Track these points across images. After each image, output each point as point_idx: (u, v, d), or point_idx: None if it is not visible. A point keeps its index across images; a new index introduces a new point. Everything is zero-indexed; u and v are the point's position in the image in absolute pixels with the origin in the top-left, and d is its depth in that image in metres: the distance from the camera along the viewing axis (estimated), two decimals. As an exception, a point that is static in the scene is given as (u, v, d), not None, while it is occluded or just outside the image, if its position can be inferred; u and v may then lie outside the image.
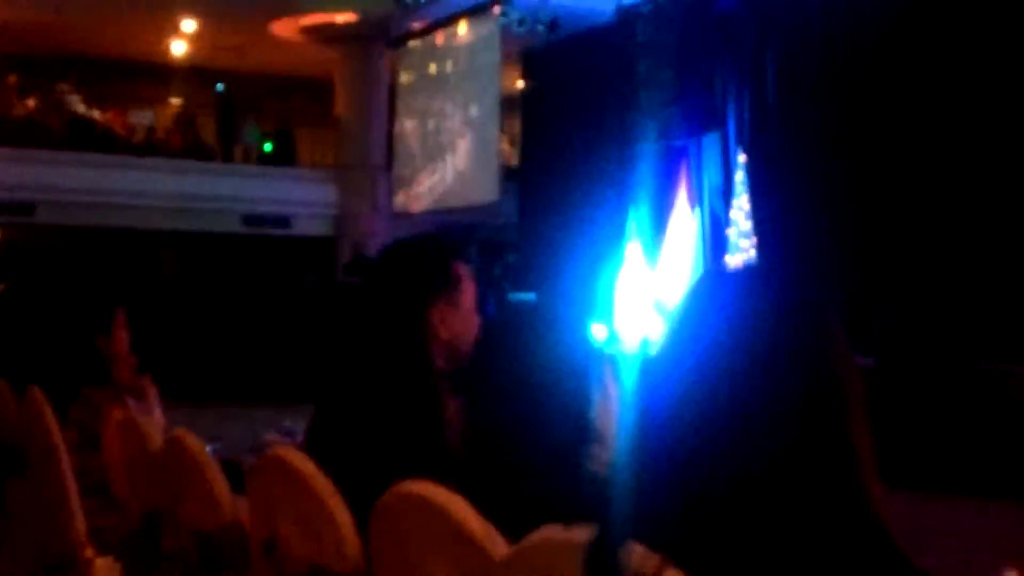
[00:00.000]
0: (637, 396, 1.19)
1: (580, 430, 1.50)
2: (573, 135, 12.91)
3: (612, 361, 1.63)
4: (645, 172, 11.73)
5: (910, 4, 9.05)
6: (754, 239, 10.38)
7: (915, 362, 7.85)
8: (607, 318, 10.93)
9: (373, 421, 2.04)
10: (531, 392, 1.55)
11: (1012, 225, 8.19)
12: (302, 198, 16.11)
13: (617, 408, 1.61)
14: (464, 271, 2.23)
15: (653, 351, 1.20)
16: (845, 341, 1.17)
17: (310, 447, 2.13)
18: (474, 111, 14.16)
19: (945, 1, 8.80)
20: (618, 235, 11.60)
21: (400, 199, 15.71)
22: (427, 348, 2.12)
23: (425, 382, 2.06)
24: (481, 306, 2.20)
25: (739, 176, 10.53)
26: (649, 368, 1.17)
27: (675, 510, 1.09)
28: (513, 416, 1.55)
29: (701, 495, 1.09)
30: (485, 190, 13.80)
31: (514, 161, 15.05)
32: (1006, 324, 8.06)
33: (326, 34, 15.77)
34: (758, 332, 1.12)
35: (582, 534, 1.18)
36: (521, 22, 12.52)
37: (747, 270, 1.26)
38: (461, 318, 2.18)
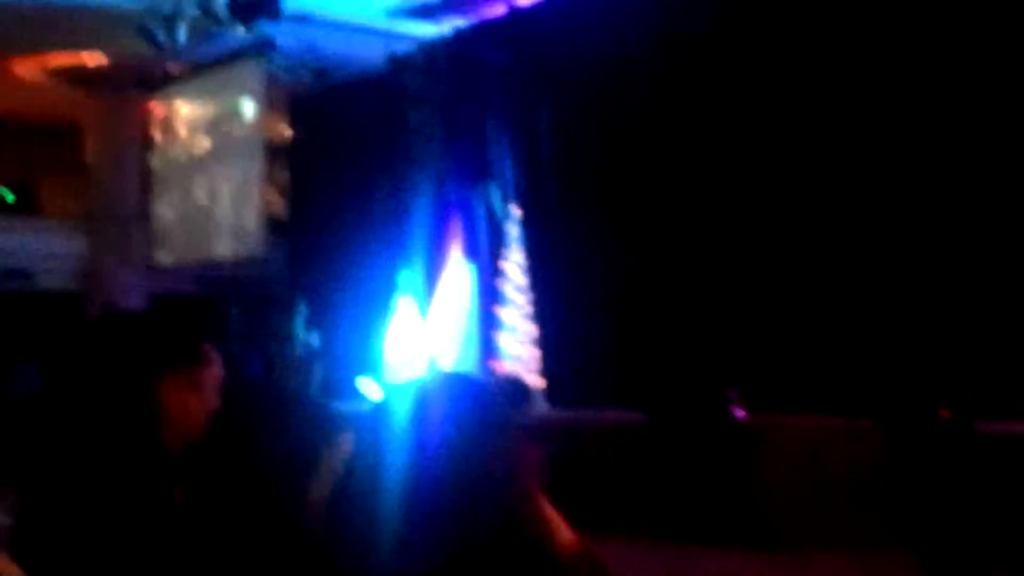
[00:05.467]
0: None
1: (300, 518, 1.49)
2: (343, 186, 13.04)
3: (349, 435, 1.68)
4: (417, 225, 11.99)
5: (678, 57, 9.71)
6: (529, 293, 10.78)
7: (683, 417, 8.30)
8: (378, 373, 11.07)
9: (88, 515, 1.86)
10: (258, 484, 1.54)
11: (781, 278, 8.84)
12: (45, 251, 15.53)
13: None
14: (211, 352, 2.14)
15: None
16: (517, 446, 1.33)
17: (16, 544, 1.93)
18: (238, 160, 14.08)
19: (707, 57, 9.51)
20: (390, 288, 11.78)
21: (157, 252, 15.38)
22: (154, 428, 1.99)
23: (151, 468, 1.92)
24: (246, 364, 2.10)
25: (513, 229, 10.93)
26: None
27: None
28: (239, 507, 1.57)
29: None
30: (250, 243, 13.72)
31: (283, 213, 15.03)
32: (772, 378, 8.67)
33: (74, 76, 15.35)
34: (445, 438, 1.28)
35: None
36: (287, 69, 12.57)
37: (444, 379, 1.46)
38: (200, 398, 2.09)
